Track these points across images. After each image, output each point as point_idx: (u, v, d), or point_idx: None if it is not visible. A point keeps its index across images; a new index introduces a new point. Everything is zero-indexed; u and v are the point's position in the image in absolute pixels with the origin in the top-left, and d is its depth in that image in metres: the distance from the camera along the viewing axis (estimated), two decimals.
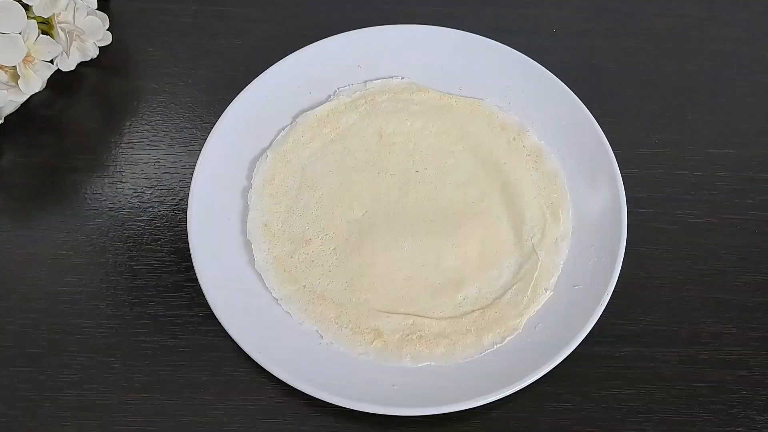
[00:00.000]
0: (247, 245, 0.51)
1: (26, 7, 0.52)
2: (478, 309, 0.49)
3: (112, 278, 0.51)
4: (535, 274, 0.50)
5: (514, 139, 0.55)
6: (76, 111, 0.59)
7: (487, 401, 0.44)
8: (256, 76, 0.55)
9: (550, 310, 0.48)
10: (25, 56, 0.52)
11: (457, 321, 0.48)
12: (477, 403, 0.44)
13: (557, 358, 0.45)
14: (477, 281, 0.50)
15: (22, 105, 0.57)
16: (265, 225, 0.52)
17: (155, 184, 0.55)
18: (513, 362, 0.46)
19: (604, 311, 0.47)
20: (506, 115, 0.56)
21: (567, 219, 0.52)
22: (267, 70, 0.56)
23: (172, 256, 0.52)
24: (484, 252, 0.51)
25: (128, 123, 0.58)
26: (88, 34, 0.58)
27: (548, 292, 0.49)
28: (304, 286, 0.50)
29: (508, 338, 0.48)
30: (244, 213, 0.52)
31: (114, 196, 0.55)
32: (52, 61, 0.56)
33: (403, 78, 0.58)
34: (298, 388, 0.45)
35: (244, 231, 0.51)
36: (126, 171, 0.56)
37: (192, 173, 0.52)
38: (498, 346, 0.47)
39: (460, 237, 0.51)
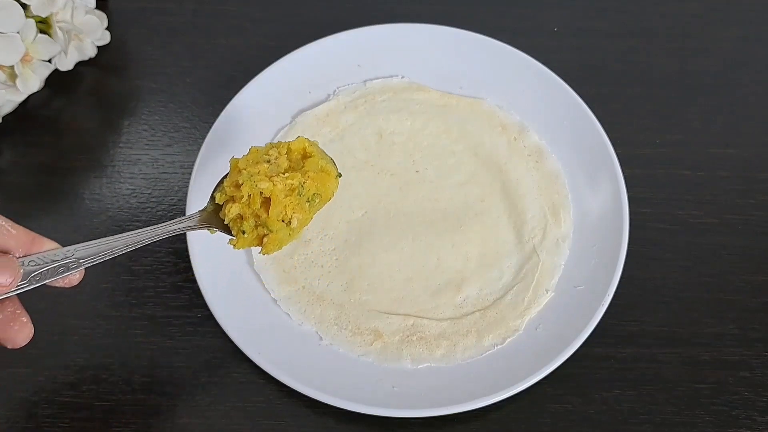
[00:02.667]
0: None
1: (24, 6, 0.51)
2: (478, 310, 0.49)
3: (111, 279, 0.51)
4: (536, 275, 0.49)
5: (515, 138, 0.55)
6: (75, 111, 0.59)
7: (487, 403, 0.44)
8: (255, 76, 0.55)
9: (551, 311, 0.48)
10: (23, 55, 0.52)
11: (458, 322, 0.48)
12: (477, 404, 0.44)
13: (558, 360, 0.45)
14: (477, 282, 0.50)
15: (20, 104, 0.57)
16: None
17: (153, 184, 0.55)
18: (514, 363, 0.46)
19: (605, 312, 0.46)
20: (507, 114, 0.56)
21: (568, 219, 0.52)
22: (266, 70, 0.56)
23: (171, 256, 0.52)
24: (484, 252, 0.51)
25: (126, 123, 0.58)
26: (86, 33, 0.57)
27: (549, 293, 0.49)
28: (304, 286, 0.49)
29: (509, 339, 0.47)
30: None
31: (112, 197, 0.54)
32: (50, 61, 0.56)
33: (403, 77, 0.58)
34: (298, 390, 0.44)
35: None
36: (124, 171, 0.56)
37: (191, 173, 0.51)
38: (498, 347, 0.47)
39: (460, 237, 0.51)
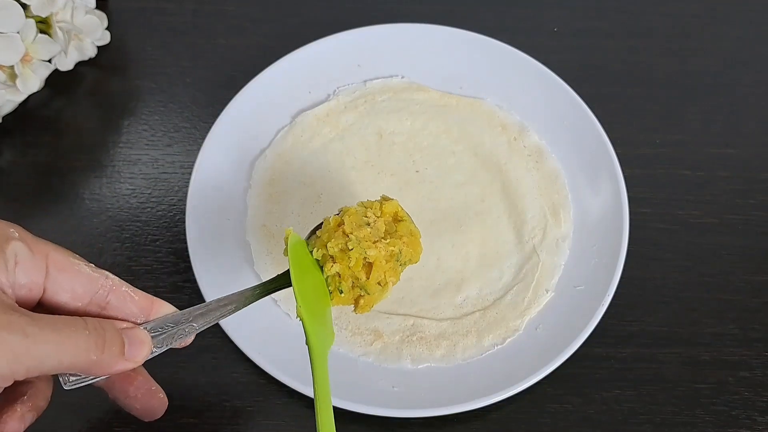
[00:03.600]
0: (246, 246, 0.51)
1: (24, 6, 0.51)
2: (478, 310, 0.49)
3: None
4: (536, 275, 0.49)
5: (515, 138, 0.55)
6: (74, 111, 0.59)
7: (487, 403, 0.44)
8: (255, 76, 0.55)
9: (551, 311, 0.48)
10: (23, 55, 0.52)
11: (458, 322, 0.48)
12: (477, 404, 0.44)
13: (558, 360, 0.45)
14: (477, 282, 0.50)
15: (20, 104, 0.57)
16: (264, 225, 0.51)
17: (153, 184, 0.55)
18: (514, 363, 0.46)
19: (605, 312, 0.46)
20: (507, 114, 0.56)
21: (568, 219, 0.52)
22: (266, 70, 0.56)
23: (171, 256, 0.52)
24: (484, 253, 0.51)
25: (126, 123, 0.58)
26: (86, 33, 0.57)
27: (549, 293, 0.49)
28: None
29: (509, 339, 0.47)
30: (242, 213, 0.52)
31: (112, 197, 0.54)
32: (50, 61, 0.56)
33: (403, 77, 0.58)
34: (298, 390, 0.44)
35: (243, 231, 0.51)
36: (124, 171, 0.56)
37: (190, 173, 0.51)
38: (498, 347, 0.47)
39: (460, 237, 0.51)
